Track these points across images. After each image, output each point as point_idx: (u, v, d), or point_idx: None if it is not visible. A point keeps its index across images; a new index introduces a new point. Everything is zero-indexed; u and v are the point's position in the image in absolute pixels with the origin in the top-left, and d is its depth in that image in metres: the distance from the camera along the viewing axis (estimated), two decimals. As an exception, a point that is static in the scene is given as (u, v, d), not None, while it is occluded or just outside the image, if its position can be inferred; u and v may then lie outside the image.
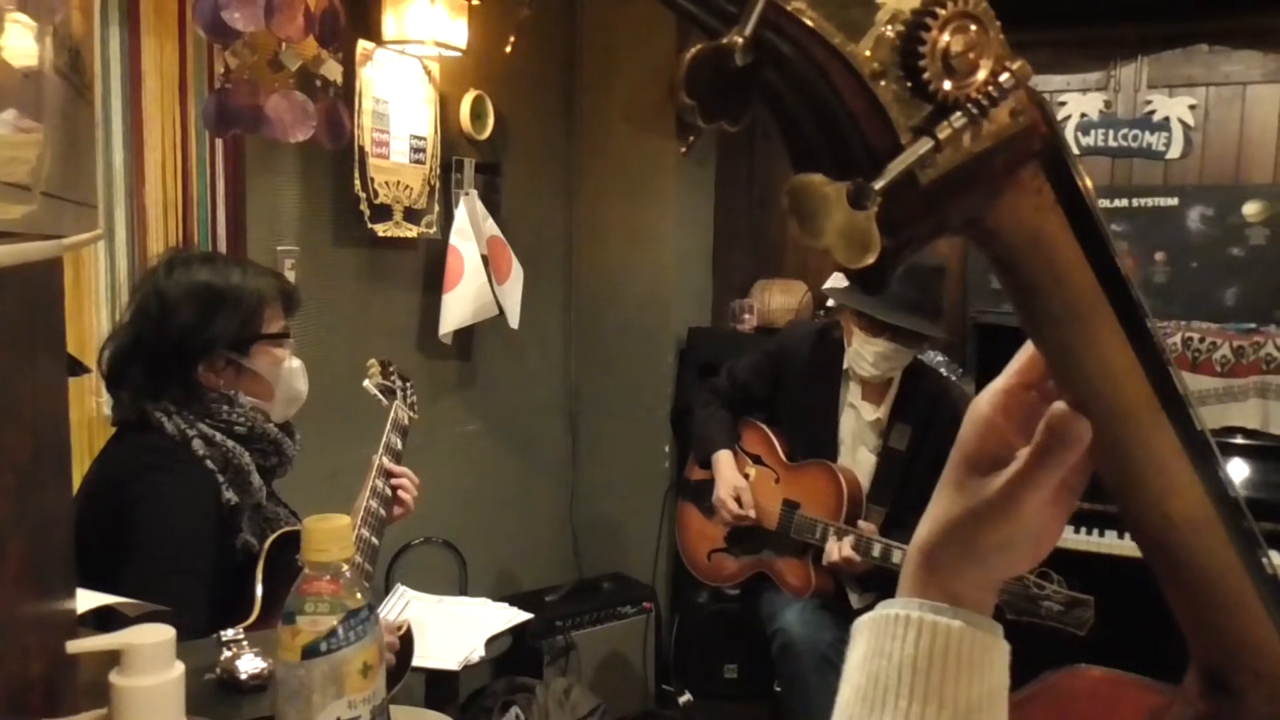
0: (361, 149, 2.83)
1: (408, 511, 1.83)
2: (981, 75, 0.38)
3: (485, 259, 3.15)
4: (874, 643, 0.52)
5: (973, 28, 0.37)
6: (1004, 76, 0.38)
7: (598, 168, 3.71)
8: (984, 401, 0.54)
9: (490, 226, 3.22)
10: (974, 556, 0.52)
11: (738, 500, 2.66)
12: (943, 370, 2.91)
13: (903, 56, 0.37)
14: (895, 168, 0.36)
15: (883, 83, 0.37)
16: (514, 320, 3.29)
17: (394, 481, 1.79)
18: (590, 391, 3.82)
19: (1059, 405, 0.48)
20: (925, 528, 0.54)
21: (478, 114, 3.24)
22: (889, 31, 0.37)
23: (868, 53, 0.36)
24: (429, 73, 3.05)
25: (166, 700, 0.81)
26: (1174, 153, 3.32)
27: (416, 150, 3.03)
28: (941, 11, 0.36)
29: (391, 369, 2.02)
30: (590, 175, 3.74)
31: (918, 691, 0.49)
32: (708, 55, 0.35)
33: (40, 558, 0.81)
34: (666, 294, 3.62)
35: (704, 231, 3.77)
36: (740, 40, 0.35)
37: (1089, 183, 0.43)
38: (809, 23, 0.36)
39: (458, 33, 2.91)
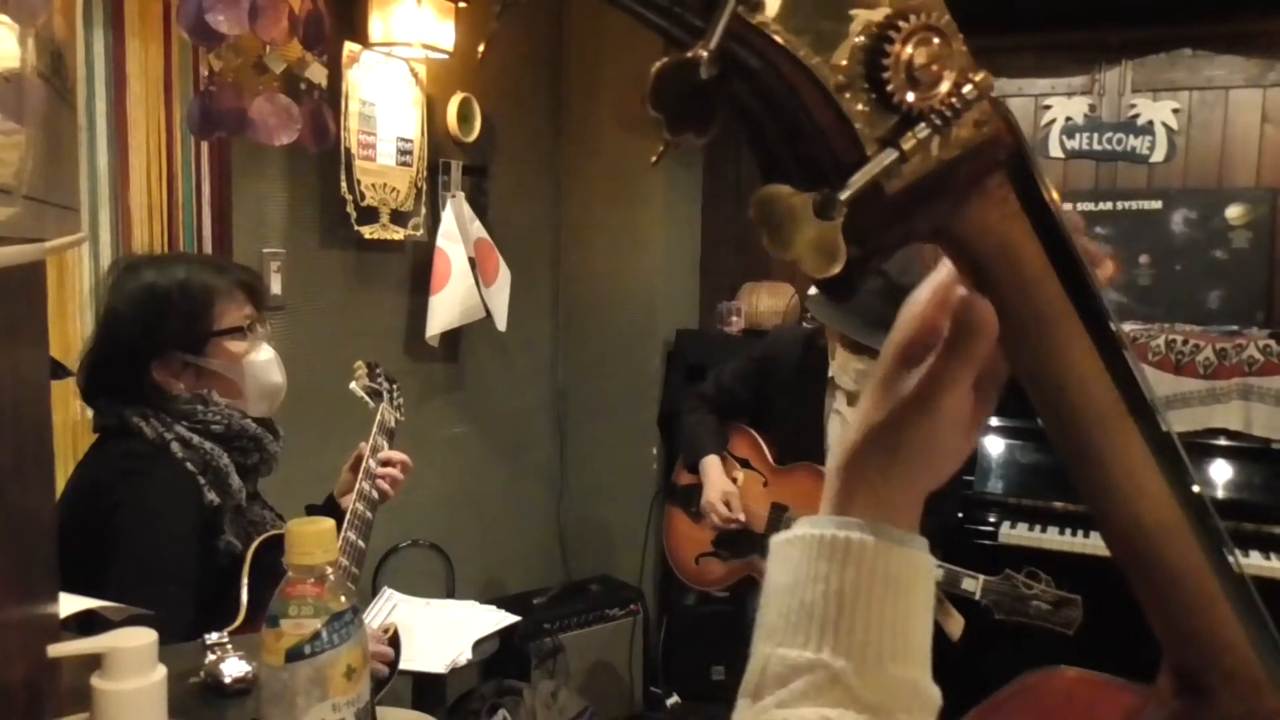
0: (348, 151, 2.83)
1: (385, 494, 1.80)
2: (945, 87, 0.38)
3: (472, 261, 3.15)
4: (803, 566, 0.50)
5: (935, 40, 0.38)
6: (967, 88, 0.39)
7: (585, 170, 3.72)
8: (921, 298, 0.52)
9: (477, 229, 3.22)
10: (898, 461, 0.51)
11: (726, 505, 2.67)
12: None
13: (867, 69, 0.37)
14: (860, 178, 0.37)
15: (848, 95, 0.37)
16: (501, 323, 3.29)
17: (382, 470, 1.78)
18: (578, 394, 3.82)
19: (961, 290, 0.48)
20: (850, 433, 0.53)
21: (464, 116, 3.24)
22: (853, 45, 0.37)
23: (832, 66, 0.37)
24: (415, 75, 3.05)
25: (149, 704, 0.81)
26: (1158, 156, 3.34)
27: (403, 152, 3.03)
28: (904, 25, 0.37)
29: (378, 371, 2.01)
30: (578, 178, 3.74)
31: (859, 618, 0.48)
32: (673, 68, 0.35)
33: (23, 561, 0.81)
34: (654, 296, 3.63)
35: (691, 234, 3.78)
36: (706, 53, 0.35)
37: (1054, 192, 0.43)
38: (774, 36, 0.36)
39: (444, 35, 2.91)
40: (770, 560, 0.53)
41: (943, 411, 0.49)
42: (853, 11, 0.37)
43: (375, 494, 1.74)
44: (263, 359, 1.70)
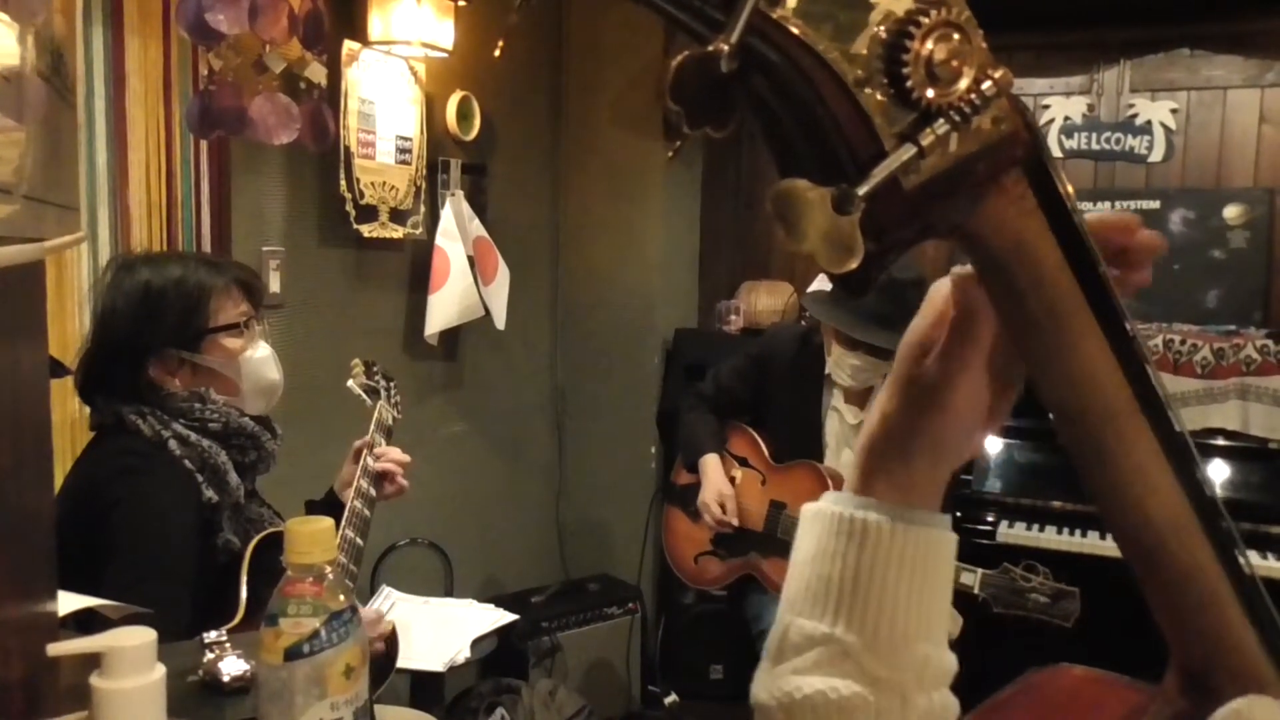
0: (347, 149, 2.82)
1: (400, 489, 1.82)
2: (964, 83, 0.38)
3: (471, 260, 3.15)
4: (824, 540, 0.53)
5: (956, 36, 0.38)
6: (986, 84, 0.38)
7: (584, 169, 3.71)
8: (941, 289, 0.53)
9: (476, 227, 3.22)
10: (914, 449, 0.52)
11: (721, 505, 2.67)
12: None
13: (887, 64, 0.37)
14: (879, 173, 0.37)
15: (867, 90, 0.37)
16: (500, 321, 3.28)
17: (381, 465, 1.79)
18: (576, 392, 3.82)
19: (958, 269, 0.49)
20: (872, 418, 0.54)
21: (464, 115, 3.24)
22: (873, 39, 0.37)
23: (852, 60, 0.37)
24: (415, 73, 3.04)
25: (148, 702, 0.81)
26: (1156, 156, 3.35)
27: (402, 151, 3.02)
28: (925, 20, 0.37)
29: (375, 369, 2.01)
30: (577, 176, 3.74)
31: (873, 596, 0.50)
32: (694, 62, 0.35)
33: (22, 560, 0.81)
34: (653, 295, 3.62)
35: (690, 233, 3.78)
36: (726, 47, 0.35)
37: (1070, 188, 0.43)
38: (794, 30, 0.36)
39: (444, 33, 2.91)
40: (799, 530, 0.56)
41: (956, 399, 0.51)
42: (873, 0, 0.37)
43: (373, 492, 1.74)
44: (259, 356, 1.71)
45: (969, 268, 0.48)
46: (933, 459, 0.53)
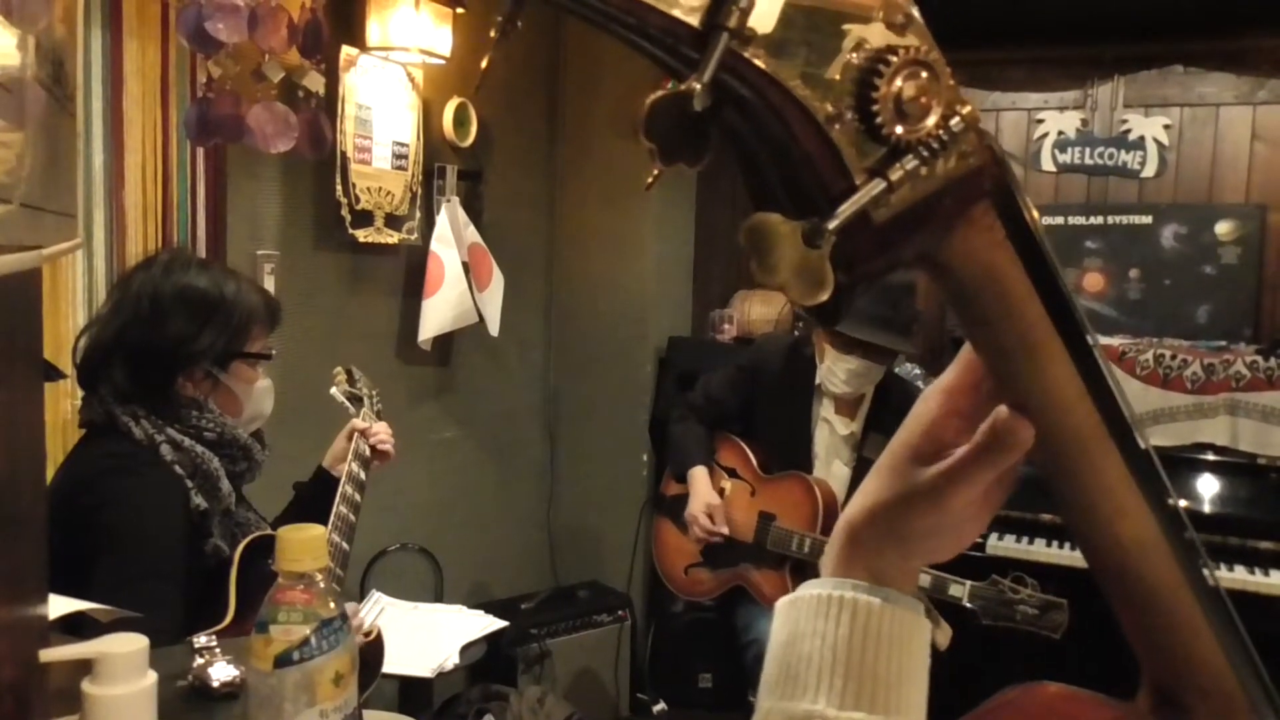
0: (344, 154, 2.83)
1: (387, 455, 1.90)
2: (933, 120, 0.39)
3: (466, 266, 3.16)
4: (804, 622, 0.53)
5: (924, 74, 0.39)
6: (954, 120, 0.40)
7: (580, 176, 3.73)
8: (932, 398, 0.54)
9: (471, 233, 3.23)
10: (898, 540, 0.53)
11: (710, 516, 2.67)
12: (919, 383, 2.93)
13: (857, 101, 0.38)
14: (848, 208, 0.38)
15: (837, 126, 0.38)
16: (494, 328, 3.29)
17: (375, 442, 1.85)
18: (569, 399, 3.82)
19: (1004, 409, 0.50)
20: (855, 506, 0.55)
21: (460, 121, 3.25)
22: (844, 77, 0.38)
23: (823, 97, 0.38)
24: (412, 79, 3.05)
25: (139, 708, 0.81)
26: (1149, 171, 3.36)
27: (399, 157, 3.03)
28: (894, 59, 0.38)
29: (357, 377, 2.03)
30: (572, 183, 3.75)
31: (852, 671, 0.51)
32: (667, 101, 0.36)
33: (13, 565, 0.81)
34: (646, 303, 3.63)
35: (685, 241, 3.79)
36: (699, 86, 0.36)
37: (1038, 218, 0.44)
38: (766, 68, 0.37)
39: (442, 40, 2.92)
40: (774, 620, 0.56)
41: (953, 507, 0.52)
42: (845, 26, 0.38)
43: (358, 498, 1.76)
44: (263, 386, 1.75)
45: (1007, 408, 0.49)
46: (913, 554, 0.54)
